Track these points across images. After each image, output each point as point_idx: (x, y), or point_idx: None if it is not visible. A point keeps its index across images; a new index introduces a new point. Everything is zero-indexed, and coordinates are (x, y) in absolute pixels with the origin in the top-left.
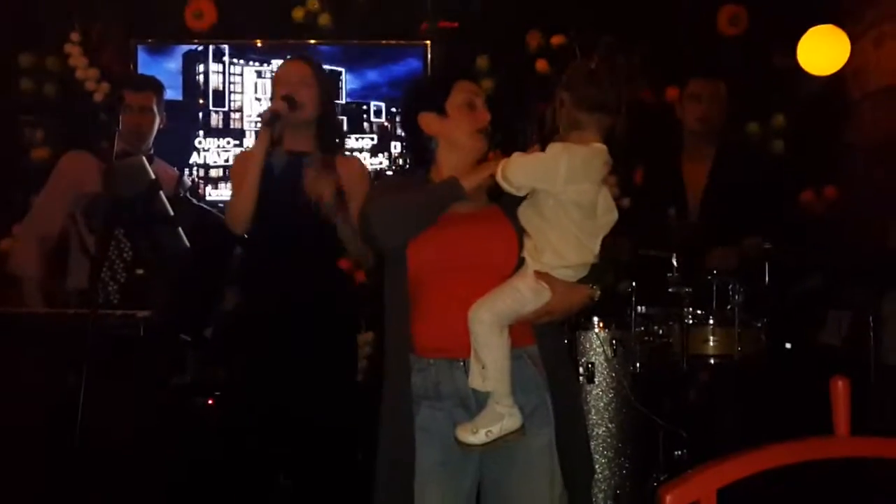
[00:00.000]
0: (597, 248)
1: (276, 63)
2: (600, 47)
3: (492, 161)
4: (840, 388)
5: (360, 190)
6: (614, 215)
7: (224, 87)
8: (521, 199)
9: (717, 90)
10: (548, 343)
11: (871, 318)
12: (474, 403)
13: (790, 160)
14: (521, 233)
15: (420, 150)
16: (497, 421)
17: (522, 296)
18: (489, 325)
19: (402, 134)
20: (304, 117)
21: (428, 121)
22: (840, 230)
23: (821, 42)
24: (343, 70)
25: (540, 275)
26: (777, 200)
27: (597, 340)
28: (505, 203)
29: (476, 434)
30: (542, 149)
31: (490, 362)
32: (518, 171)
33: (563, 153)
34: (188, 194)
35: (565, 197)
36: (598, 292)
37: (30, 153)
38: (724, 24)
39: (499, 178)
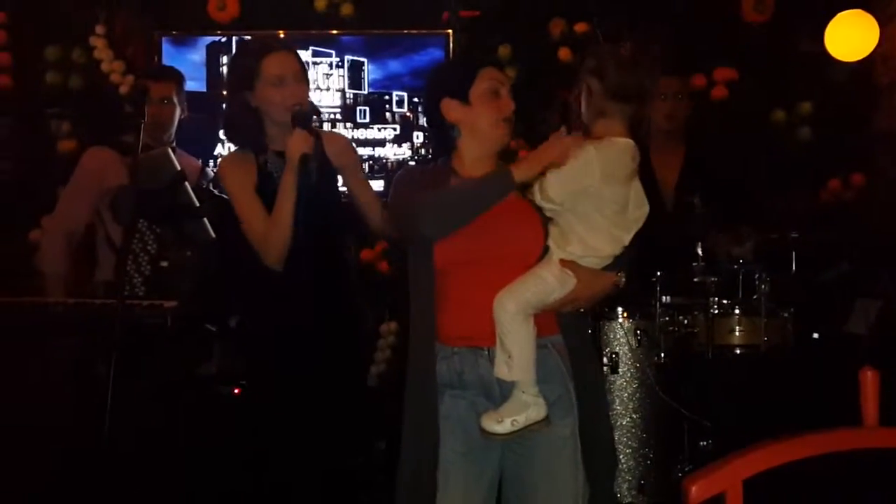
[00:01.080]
0: (628, 240)
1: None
2: (634, 35)
3: (544, 151)
4: (869, 378)
5: (348, 162)
6: (646, 209)
7: None
8: None
9: (684, 87)
10: (572, 333)
11: None
12: (497, 392)
13: (816, 147)
14: (546, 221)
15: (442, 137)
16: (522, 410)
17: (547, 284)
18: (514, 313)
19: (425, 121)
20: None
21: (450, 108)
22: (868, 218)
23: (849, 27)
24: (365, 60)
25: (565, 262)
26: (753, 193)
27: (621, 330)
28: None
29: (501, 423)
30: (568, 132)
31: (516, 352)
32: (557, 188)
33: (593, 155)
34: (211, 185)
35: (602, 195)
36: (624, 279)
37: (56, 145)
38: (750, 11)
39: (538, 200)
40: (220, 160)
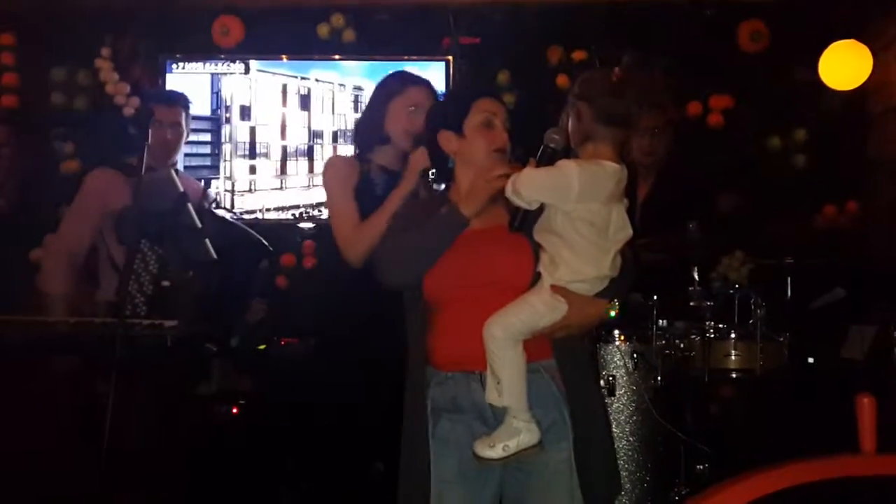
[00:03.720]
0: (611, 263)
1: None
2: (624, 62)
3: (485, 181)
4: (866, 405)
5: None
6: (628, 232)
7: (250, 103)
8: (538, 214)
9: (666, 122)
10: (567, 357)
11: (894, 333)
12: (492, 417)
13: (811, 174)
14: (536, 247)
15: (440, 167)
16: (514, 436)
17: (537, 310)
18: (502, 340)
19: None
20: None
21: (446, 139)
22: (862, 244)
23: (843, 57)
24: (366, 85)
25: (556, 289)
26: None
27: (618, 353)
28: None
29: (493, 448)
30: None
31: (505, 377)
32: (529, 186)
33: (575, 170)
34: (213, 207)
35: (576, 214)
36: (616, 307)
37: (60, 166)
38: (746, 40)
39: (509, 192)
40: (327, 158)
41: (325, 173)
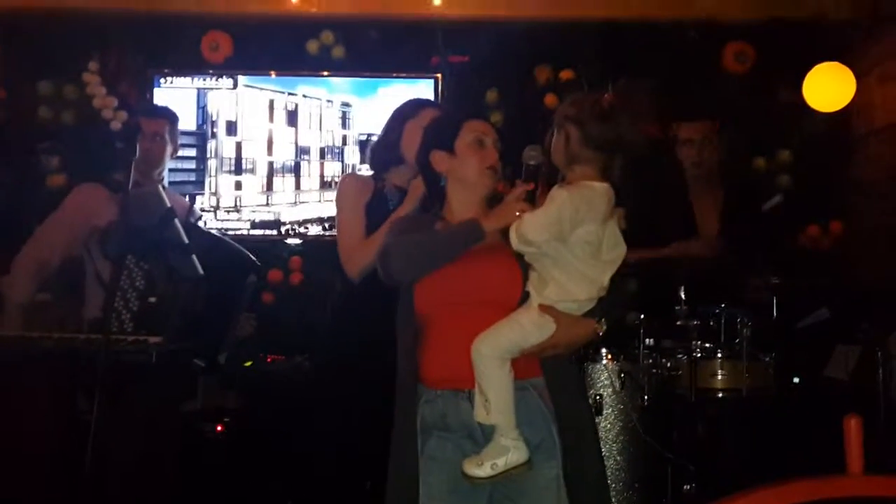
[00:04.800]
0: (605, 282)
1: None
2: (617, 87)
3: (512, 203)
4: (853, 426)
5: None
6: (622, 249)
7: (236, 118)
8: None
9: (708, 132)
10: (555, 375)
11: (879, 353)
12: (481, 435)
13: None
14: (525, 266)
15: (433, 187)
16: (502, 454)
17: (525, 329)
18: (490, 358)
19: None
20: None
21: (438, 159)
22: (846, 265)
23: (826, 79)
24: (354, 102)
25: (545, 308)
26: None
27: (605, 372)
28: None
29: (482, 467)
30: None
31: (493, 396)
32: (536, 231)
33: (566, 198)
34: (199, 222)
35: (575, 237)
36: (605, 327)
37: (46, 180)
38: (731, 61)
39: (516, 244)
40: (343, 175)
41: (338, 189)
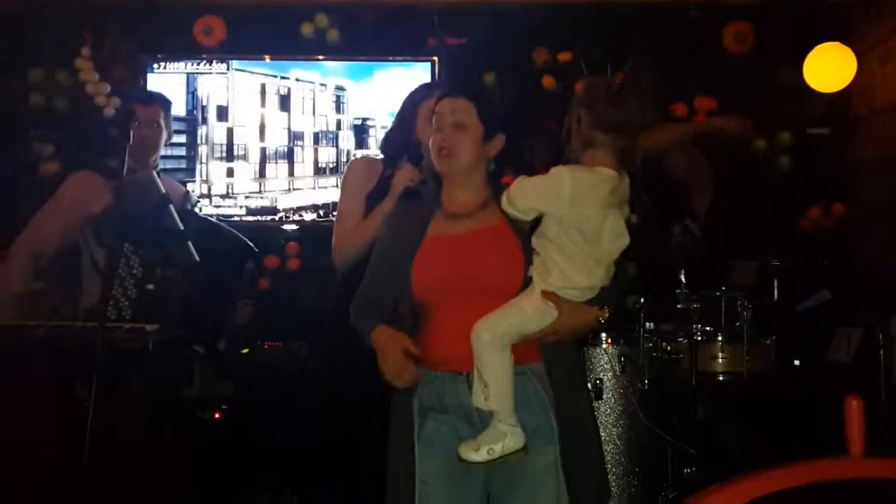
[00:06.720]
0: (604, 272)
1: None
2: (627, 67)
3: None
4: (854, 408)
5: None
6: (624, 241)
7: (227, 103)
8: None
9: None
10: (555, 360)
11: (880, 335)
12: (477, 418)
13: (797, 177)
14: (528, 251)
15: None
16: (499, 439)
17: (526, 315)
18: (489, 344)
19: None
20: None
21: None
22: (848, 246)
23: (827, 59)
24: (349, 85)
25: (547, 294)
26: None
27: (605, 357)
28: (514, 219)
29: (478, 452)
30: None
31: (492, 381)
32: (523, 195)
33: (566, 175)
34: (195, 209)
35: (567, 220)
36: (608, 314)
37: (39, 168)
38: (731, 42)
39: (505, 205)
40: (353, 159)
41: (345, 173)
